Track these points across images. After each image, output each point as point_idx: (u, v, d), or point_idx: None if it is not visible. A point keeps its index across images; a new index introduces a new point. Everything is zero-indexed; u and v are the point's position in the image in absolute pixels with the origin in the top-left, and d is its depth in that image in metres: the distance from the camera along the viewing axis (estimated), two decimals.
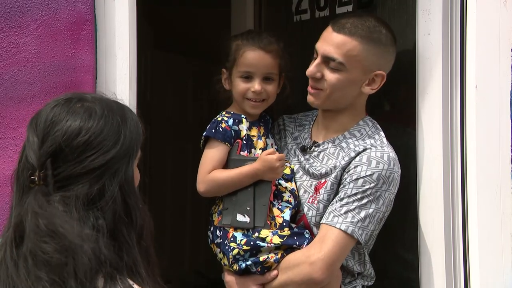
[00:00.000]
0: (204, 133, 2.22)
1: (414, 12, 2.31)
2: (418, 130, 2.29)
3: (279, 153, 2.30)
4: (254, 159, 2.17)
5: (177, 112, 4.46)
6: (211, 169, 2.18)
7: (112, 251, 1.35)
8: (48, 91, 2.06)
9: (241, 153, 2.20)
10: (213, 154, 2.20)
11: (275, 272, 2.11)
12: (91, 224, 1.34)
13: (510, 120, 2.12)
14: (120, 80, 2.12)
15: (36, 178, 1.36)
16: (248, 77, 2.22)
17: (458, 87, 2.22)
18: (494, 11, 2.13)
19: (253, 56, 2.21)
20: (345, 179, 2.10)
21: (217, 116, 2.26)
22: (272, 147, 2.30)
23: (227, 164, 2.20)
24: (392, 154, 2.13)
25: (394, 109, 2.45)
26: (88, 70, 2.09)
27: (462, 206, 2.21)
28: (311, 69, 2.15)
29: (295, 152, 2.28)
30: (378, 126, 2.22)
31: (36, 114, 1.44)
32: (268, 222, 2.14)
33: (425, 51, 2.26)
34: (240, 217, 2.14)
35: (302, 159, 2.24)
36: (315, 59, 2.17)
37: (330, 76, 2.13)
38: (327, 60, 2.13)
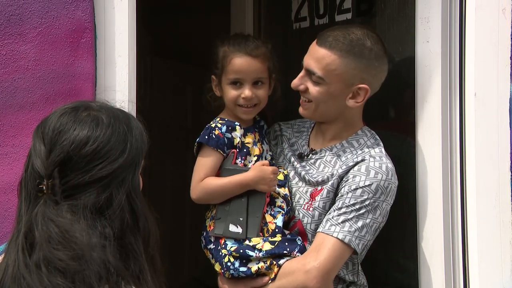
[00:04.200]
0: (197, 139, 2.22)
1: (413, 20, 2.31)
2: (417, 138, 2.30)
3: (275, 159, 2.30)
4: (248, 170, 2.16)
5: (177, 118, 4.47)
6: (203, 176, 2.19)
7: (119, 259, 1.35)
8: (48, 98, 2.06)
9: (237, 162, 2.20)
10: (205, 161, 2.20)
11: (266, 278, 2.10)
12: (99, 233, 1.35)
13: (509, 128, 2.12)
14: (119, 87, 2.12)
15: (44, 187, 1.36)
16: (237, 83, 2.22)
17: (457, 95, 2.23)
18: (493, 19, 2.13)
19: (240, 63, 2.21)
20: (343, 188, 2.10)
21: (211, 123, 2.26)
22: (267, 153, 2.30)
23: (220, 173, 2.20)
24: (390, 165, 2.13)
25: (393, 117, 2.45)
26: (87, 78, 2.09)
27: (462, 214, 2.21)
28: (295, 81, 2.18)
29: (290, 159, 2.28)
30: (377, 137, 2.22)
31: (42, 122, 1.44)
32: (260, 233, 2.14)
33: (424, 58, 2.26)
34: (232, 228, 2.14)
35: (298, 165, 2.24)
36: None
37: (312, 89, 2.15)
38: (309, 73, 2.14)
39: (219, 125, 2.22)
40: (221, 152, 2.19)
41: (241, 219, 2.14)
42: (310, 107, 2.18)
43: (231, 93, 2.22)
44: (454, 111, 2.23)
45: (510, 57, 2.11)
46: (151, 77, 4.22)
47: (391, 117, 2.45)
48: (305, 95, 2.18)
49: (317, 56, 2.12)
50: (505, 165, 2.12)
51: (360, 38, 2.13)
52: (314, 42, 2.16)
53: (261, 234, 2.14)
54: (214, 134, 2.20)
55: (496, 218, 2.12)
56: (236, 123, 2.24)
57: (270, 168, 2.15)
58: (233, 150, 2.20)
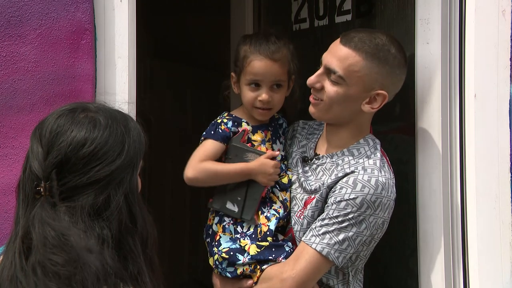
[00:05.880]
0: (203, 133, 2.23)
1: (413, 22, 2.31)
2: (417, 139, 2.29)
3: (286, 159, 2.30)
4: (255, 152, 2.17)
5: (176, 119, 4.47)
6: (204, 158, 2.18)
7: (117, 260, 1.35)
8: (48, 100, 2.06)
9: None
10: (208, 146, 2.20)
11: (251, 281, 2.12)
12: (97, 235, 1.35)
13: (509, 129, 2.12)
14: (119, 89, 2.12)
15: (41, 189, 1.36)
16: (256, 85, 2.21)
17: (457, 96, 2.23)
18: (493, 20, 2.13)
19: (259, 66, 2.19)
20: (330, 199, 2.07)
21: (217, 118, 2.26)
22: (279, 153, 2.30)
23: (227, 150, 2.20)
24: (383, 178, 2.05)
25: (393, 118, 2.45)
26: (87, 79, 2.09)
27: (462, 215, 2.21)
28: (311, 78, 2.12)
29: (296, 163, 2.26)
30: (379, 146, 2.16)
31: (39, 124, 1.44)
32: (255, 217, 2.15)
33: (424, 60, 2.26)
34: (229, 205, 2.16)
35: (300, 171, 2.22)
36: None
37: (329, 88, 2.09)
38: (328, 72, 2.10)
39: (225, 121, 2.23)
40: (225, 144, 2.20)
41: (239, 198, 2.15)
42: (322, 106, 2.12)
43: (248, 94, 2.21)
44: (454, 112, 2.23)
45: (510, 59, 2.11)
46: (151, 79, 4.22)
47: (391, 118, 2.45)
48: (318, 94, 2.13)
49: (340, 55, 2.07)
50: (505, 166, 2.12)
51: (385, 44, 2.09)
52: (337, 41, 2.11)
53: (256, 217, 2.15)
54: (220, 129, 2.20)
55: (496, 219, 2.12)
56: (243, 120, 2.24)
57: (272, 162, 2.15)
58: (245, 128, 2.21)
